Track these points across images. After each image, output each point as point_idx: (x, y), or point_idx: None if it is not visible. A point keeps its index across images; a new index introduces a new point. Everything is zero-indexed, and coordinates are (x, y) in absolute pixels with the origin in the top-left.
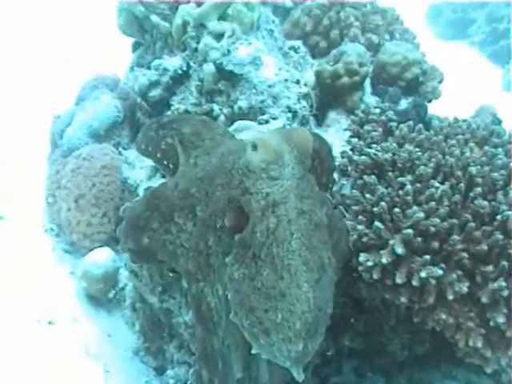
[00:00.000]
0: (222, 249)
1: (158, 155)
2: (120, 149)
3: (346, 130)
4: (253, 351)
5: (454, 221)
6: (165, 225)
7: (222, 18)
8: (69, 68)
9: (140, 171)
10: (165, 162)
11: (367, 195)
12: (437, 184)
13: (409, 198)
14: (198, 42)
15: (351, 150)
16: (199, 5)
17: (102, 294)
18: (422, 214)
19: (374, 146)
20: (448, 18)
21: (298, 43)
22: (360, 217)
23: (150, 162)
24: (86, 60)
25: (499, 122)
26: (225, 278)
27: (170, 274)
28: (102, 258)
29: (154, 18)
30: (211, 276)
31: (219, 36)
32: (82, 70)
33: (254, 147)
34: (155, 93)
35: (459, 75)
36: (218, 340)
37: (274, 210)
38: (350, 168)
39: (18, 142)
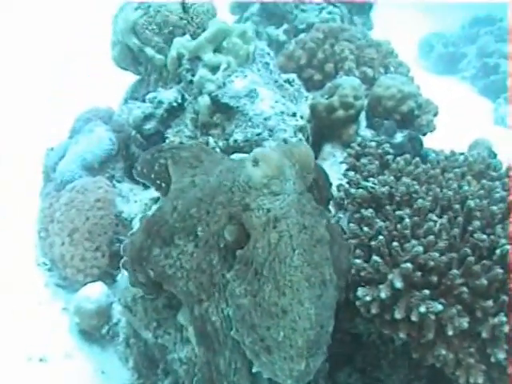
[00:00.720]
0: (229, 268)
1: (152, 176)
2: (114, 182)
3: (341, 163)
4: (254, 370)
5: (453, 255)
6: (165, 249)
7: (218, 50)
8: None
9: (134, 204)
10: (158, 182)
11: (365, 229)
12: (435, 218)
13: (407, 231)
14: (193, 75)
15: (348, 183)
16: (194, 38)
17: (95, 330)
18: (420, 248)
19: (371, 179)
20: (439, 53)
21: (292, 76)
22: (358, 251)
23: (145, 195)
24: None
25: (495, 156)
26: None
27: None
28: (95, 292)
29: (149, 51)
30: (216, 295)
31: (214, 68)
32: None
33: (255, 162)
34: (150, 125)
35: (452, 109)
36: (224, 361)
37: (275, 226)
38: (346, 201)
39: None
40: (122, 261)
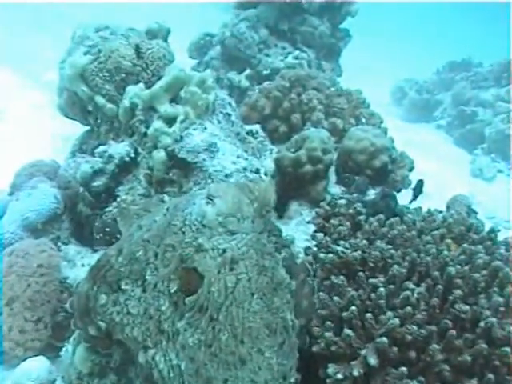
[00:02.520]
0: (180, 317)
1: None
2: (59, 244)
3: (309, 222)
4: None
5: (433, 328)
6: (112, 296)
7: (174, 100)
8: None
9: (82, 269)
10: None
11: (335, 298)
12: (412, 286)
13: (382, 301)
14: (147, 127)
15: (316, 246)
16: (148, 86)
17: None
18: (397, 320)
19: (342, 242)
20: (412, 100)
21: (256, 127)
22: (328, 322)
23: (94, 259)
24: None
25: (475, 214)
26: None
27: None
28: (35, 368)
29: (99, 100)
30: (163, 343)
31: (171, 120)
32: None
33: (209, 199)
34: (99, 182)
35: (427, 161)
36: None
37: (232, 268)
38: (315, 266)
39: None
40: (73, 319)
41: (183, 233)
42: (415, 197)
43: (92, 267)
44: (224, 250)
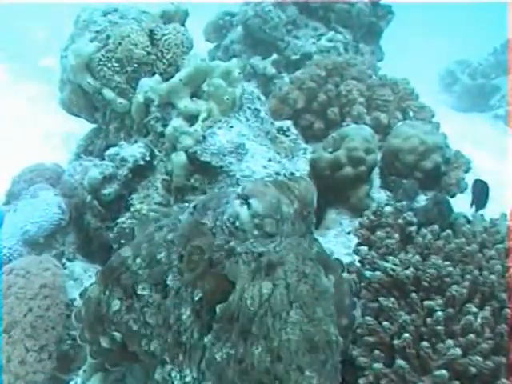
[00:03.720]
0: (200, 326)
1: None
2: (64, 260)
3: (350, 233)
4: None
5: (501, 359)
6: (126, 302)
7: (196, 95)
8: None
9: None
10: None
11: (385, 323)
12: (474, 309)
13: (440, 327)
14: (164, 125)
15: (360, 262)
16: (165, 78)
17: None
18: (458, 350)
19: (391, 257)
20: (465, 86)
21: (287, 124)
22: (376, 352)
23: None
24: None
25: None
26: (202, 364)
27: None
28: None
29: (108, 93)
30: (180, 358)
31: (192, 118)
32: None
33: (244, 199)
34: (110, 189)
35: (484, 158)
36: None
37: (268, 273)
38: (359, 286)
39: None
40: (78, 332)
41: (213, 234)
42: (481, 205)
43: (103, 269)
44: (260, 254)
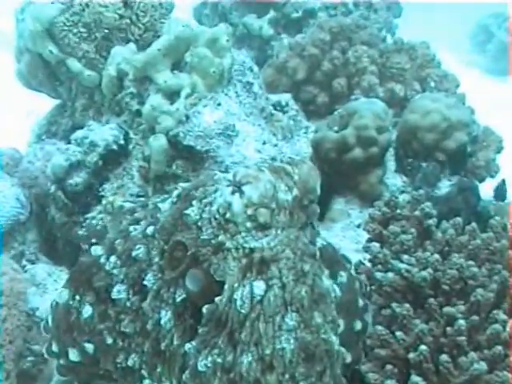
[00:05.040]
0: (182, 332)
1: None
2: (24, 262)
3: (359, 226)
4: None
5: None
6: (99, 308)
7: (178, 67)
8: None
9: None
10: None
11: (398, 333)
12: (503, 316)
13: (462, 338)
14: (141, 103)
15: (371, 261)
16: (141, 47)
17: None
18: (483, 365)
19: (406, 256)
20: (501, 43)
21: (285, 98)
22: (389, 366)
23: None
24: None
25: None
26: (184, 375)
27: None
28: None
29: (73, 64)
30: (158, 369)
31: (173, 94)
32: None
33: (236, 186)
34: (78, 179)
35: None
36: None
37: (261, 271)
38: (369, 289)
39: None
40: (46, 344)
41: (199, 228)
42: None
43: (72, 271)
44: (252, 250)
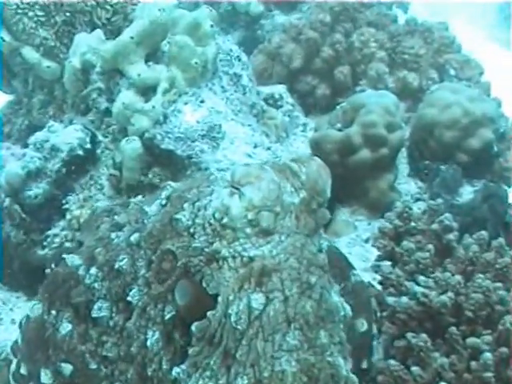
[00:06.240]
0: (172, 354)
1: None
2: None
3: (368, 241)
4: None
5: None
6: (80, 328)
7: (153, 58)
8: None
9: (12, 328)
10: None
11: (414, 369)
12: None
13: (489, 374)
14: (110, 100)
15: (382, 283)
16: (111, 32)
17: None
18: None
19: (422, 278)
20: None
21: (279, 90)
22: None
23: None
24: None
25: None
26: None
27: None
28: None
29: (30, 54)
30: None
31: (149, 90)
32: None
33: (235, 187)
34: (37, 190)
35: None
36: None
37: (260, 282)
38: (380, 316)
39: None
40: (13, 366)
41: (191, 235)
42: None
43: (46, 284)
44: (251, 258)
